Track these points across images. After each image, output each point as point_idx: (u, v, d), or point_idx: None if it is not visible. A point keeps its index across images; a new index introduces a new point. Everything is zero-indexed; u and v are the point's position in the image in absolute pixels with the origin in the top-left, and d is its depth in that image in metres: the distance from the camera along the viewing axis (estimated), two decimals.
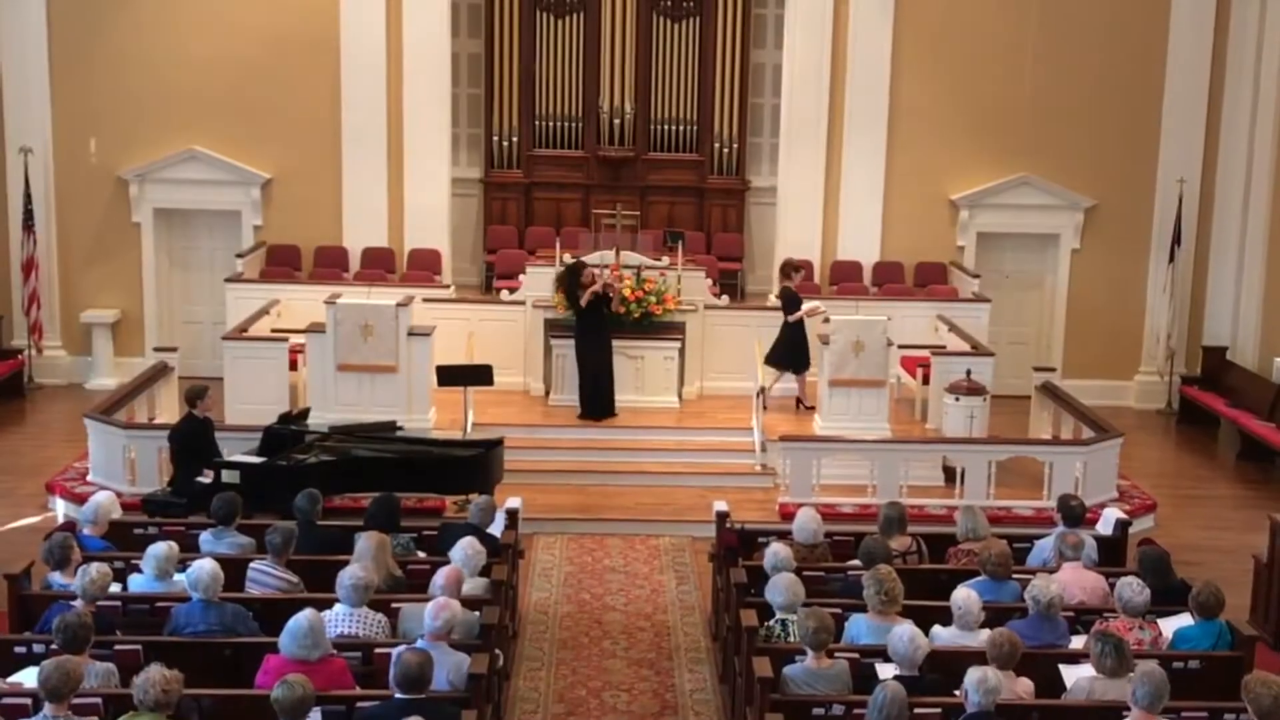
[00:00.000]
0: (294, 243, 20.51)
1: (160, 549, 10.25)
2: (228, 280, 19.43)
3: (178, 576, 10.18)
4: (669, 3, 22.76)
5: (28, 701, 8.27)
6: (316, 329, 16.49)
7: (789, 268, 18.12)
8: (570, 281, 17.28)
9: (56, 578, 10.22)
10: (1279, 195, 19.33)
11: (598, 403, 17.21)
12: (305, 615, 8.66)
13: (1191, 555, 14.15)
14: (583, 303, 17.04)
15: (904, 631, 8.78)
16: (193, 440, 14.11)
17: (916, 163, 20.48)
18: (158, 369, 17.33)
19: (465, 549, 10.53)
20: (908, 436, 16.86)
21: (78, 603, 9.35)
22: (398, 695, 8.19)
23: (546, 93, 22.87)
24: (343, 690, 8.67)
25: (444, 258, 20.68)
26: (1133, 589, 9.74)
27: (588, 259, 17.90)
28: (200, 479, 13.71)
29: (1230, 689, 8.83)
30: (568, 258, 18.11)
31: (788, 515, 13.21)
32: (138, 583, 10.36)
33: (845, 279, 20.40)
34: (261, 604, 10.07)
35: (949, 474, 16.08)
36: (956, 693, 8.45)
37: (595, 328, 17.20)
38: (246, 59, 20.04)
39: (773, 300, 18.94)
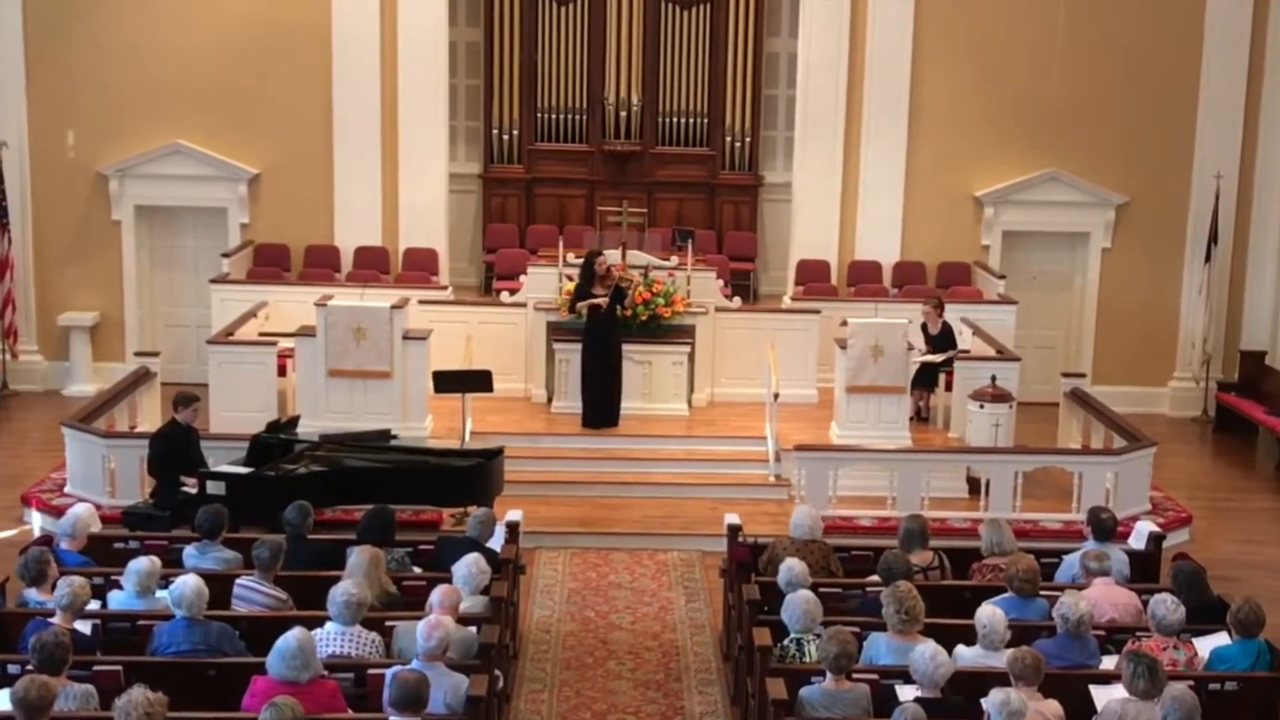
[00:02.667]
0: (283, 241, 20.54)
1: (142, 564, 10.25)
2: (213, 281, 19.44)
3: (160, 593, 10.19)
4: None
5: None
6: (306, 332, 16.51)
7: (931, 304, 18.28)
8: (583, 275, 17.30)
9: (33, 594, 10.23)
10: None
11: (600, 410, 17.22)
12: (295, 634, 8.66)
13: (1228, 570, 14.13)
14: (578, 307, 17.08)
15: (926, 651, 8.78)
16: (172, 448, 14.12)
17: (939, 157, 20.49)
18: (139, 375, 17.33)
19: (470, 567, 10.54)
20: (929, 446, 16.86)
21: (56, 620, 9.36)
22: (393, 717, 8.20)
23: (549, 84, 22.88)
24: (334, 713, 8.66)
25: (441, 257, 20.69)
26: (1166, 606, 9.73)
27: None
28: (185, 489, 13.73)
29: (1269, 711, 8.85)
30: (572, 257, 18.14)
31: None
32: (118, 600, 10.37)
33: (864, 280, 20.41)
34: (248, 622, 10.08)
35: (973, 485, 16.09)
36: (984, 704, 8.43)
37: (604, 330, 17.21)
38: (233, 48, 20.06)
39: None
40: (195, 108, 20.17)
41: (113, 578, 10.69)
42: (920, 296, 19.59)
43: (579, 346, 17.46)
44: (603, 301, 17.13)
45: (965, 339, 18.43)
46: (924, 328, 18.13)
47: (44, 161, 20.27)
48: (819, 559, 11.39)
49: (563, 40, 22.82)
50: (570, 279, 17.81)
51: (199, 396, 14.63)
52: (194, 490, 13.62)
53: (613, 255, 17.86)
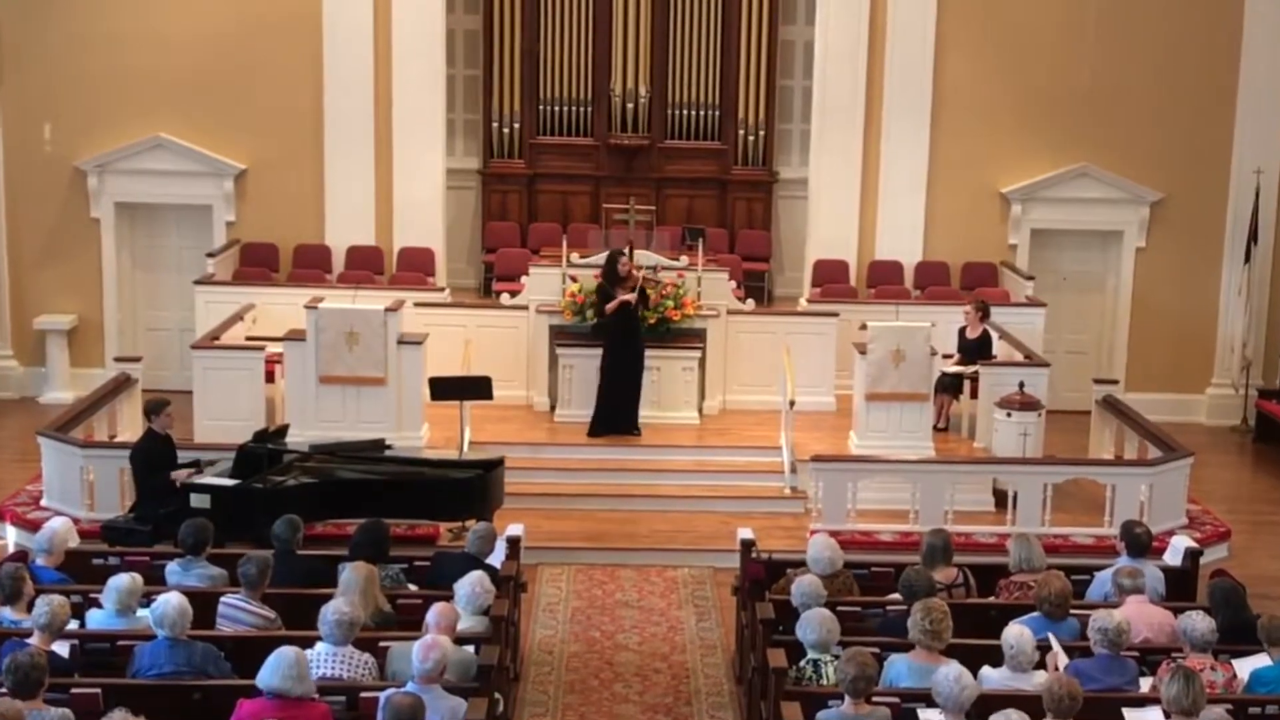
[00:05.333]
0: (271, 241, 20.56)
1: (122, 581, 10.26)
2: (197, 282, 19.46)
3: (141, 612, 10.19)
4: None
5: None
6: (296, 337, 16.52)
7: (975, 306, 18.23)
8: (606, 276, 17.31)
9: (7, 613, 10.22)
10: None
11: (622, 418, 17.24)
12: (291, 648, 8.66)
13: (1269, 588, 14.13)
14: (609, 309, 17.06)
15: (950, 674, 8.76)
16: (155, 461, 14.12)
17: (963, 151, 20.48)
18: (119, 381, 17.35)
19: (473, 586, 10.53)
20: (953, 456, 16.86)
21: (34, 640, 9.37)
22: None
23: (552, 74, 22.88)
24: None
25: (438, 257, 20.72)
26: (1193, 619, 9.76)
27: (599, 258, 17.95)
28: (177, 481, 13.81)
29: None
30: (576, 257, 18.15)
31: None
32: (97, 619, 10.37)
33: (884, 281, 20.42)
34: (234, 643, 10.07)
35: (1000, 498, 16.06)
36: None
37: (629, 333, 17.24)
38: (219, 36, 20.08)
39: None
40: (179, 99, 20.18)
41: (91, 596, 10.69)
42: (943, 299, 19.63)
43: (583, 351, 17.53)
44: (632, 298, 17.11)
45: (993, 344, 18.42)
46: (961, 331, 18.10)
47: (19, 156, 20.30)
48: (844, 592, 11.34)
49: (566, 28, 22.81)
50: (574, 279, 17.83)
51: (168, 400, 14.63)
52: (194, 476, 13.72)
53: (648, 257, 17.84)
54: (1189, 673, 8.68)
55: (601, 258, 17.91)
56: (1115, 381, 19.04)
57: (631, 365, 17.26)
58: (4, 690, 8.57)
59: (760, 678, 10.62)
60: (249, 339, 18.00)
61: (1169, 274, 20.69)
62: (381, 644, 9.98)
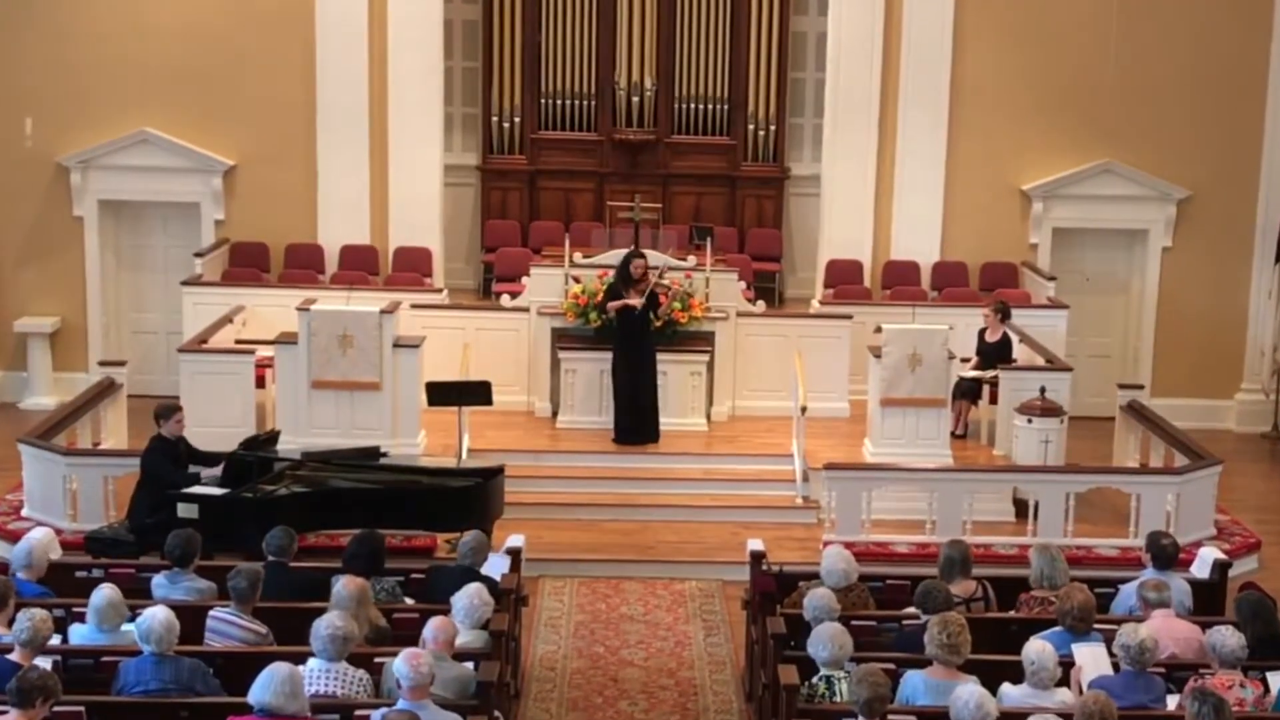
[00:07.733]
0: (261, 240, 20.56)
1: (106, 595, 10.25)
2: (184, 283, 19.47)
3: (126, 626, 10.18)
4: None
5: None
6: (287, 340, 16.53)
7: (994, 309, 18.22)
8: (617, 275, 17.35)
9: None
10: None
11: (639, 426, 17.26)
12: (284, 664, 8.66)
13: None
14: (610, 307, 17.08)
15: (970, 699, 8.71)
16: (163, 465, 14.09)
17: (982, 147, 20.47)
18: (103, 386, 17.32)
19: (471, 598, 10.52)
20: (972, 464, 16.86)
21: (14, 656, 9.37)
22: None
23: (554, 66, 22.89)
24: None
25: (435, 257, 20.73)
26: (1222, 634, 9.74)
27: (603, 258, 17.97)
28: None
29: None
30: (579, 257, 18.16)
31: None
32: (80, 634, 10.37)
33: (900, 282, 20.42)
34: (224, 658, 10.07)
35: (1020, 508, 16.07)
36: None
37: (637, 337, 17.26)
38: (207, 27, 20.09)
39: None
40: (165, 92, 20.18)
41: (74, 609, 10.69)
42: (962, 300, 19.62)
43: (586, 355, 17.57)
44: (637, 303, 17.13)
45: (1014, 347, 18.41)
46: (980, 334, 18.09)
47: None
48: (859, 606, 11.35)
49: (569, 18, 22.82)
50: (577, 280, 17.85)
51: (180, 405, 14.64)
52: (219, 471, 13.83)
53: (655, 258, 17.83)
54: (1219, 702, 8.63)
55: (608, 257, 17.94)
56: (1140, 386, 18.99)
57: (646, 372, 17.28)
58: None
59: (771, 695, 10.61)
60: (238, 342, 18.02)
61: (1196, 274, 20.67)
62: (376, 660, 9.96)
